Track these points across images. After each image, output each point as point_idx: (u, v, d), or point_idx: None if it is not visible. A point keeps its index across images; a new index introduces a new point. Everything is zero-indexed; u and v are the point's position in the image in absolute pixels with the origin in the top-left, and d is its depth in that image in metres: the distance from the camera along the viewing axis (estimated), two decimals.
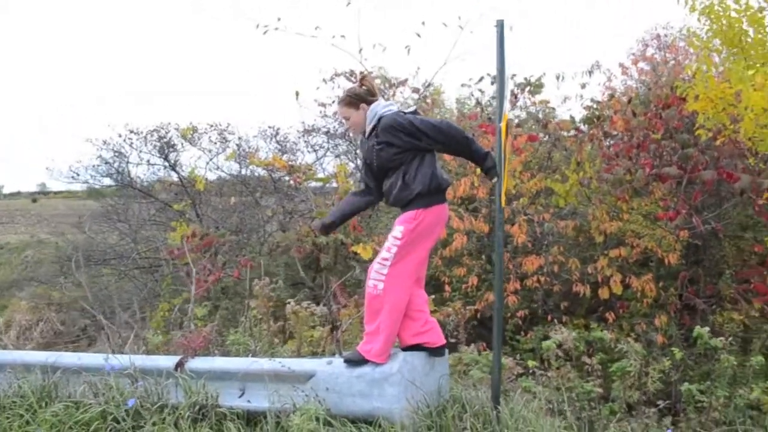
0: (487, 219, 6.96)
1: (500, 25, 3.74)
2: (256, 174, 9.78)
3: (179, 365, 3.96)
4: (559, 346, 5.67)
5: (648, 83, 8.62)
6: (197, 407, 3.75)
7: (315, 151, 9.98)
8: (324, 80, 8.60)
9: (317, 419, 3.53)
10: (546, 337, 6.32)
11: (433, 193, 3.77)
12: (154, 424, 3.66)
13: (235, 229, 8.10)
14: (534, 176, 7.14)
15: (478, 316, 6.63)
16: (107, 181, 10.27)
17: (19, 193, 55.36)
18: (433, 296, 6.88)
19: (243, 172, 9.77)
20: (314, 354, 4.52)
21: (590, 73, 7.88)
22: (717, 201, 7.56)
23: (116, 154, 9.65)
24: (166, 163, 9.53)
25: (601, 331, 6.43)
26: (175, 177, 9.62)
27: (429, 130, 3.74)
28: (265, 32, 7.74)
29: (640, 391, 5.51)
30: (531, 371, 5.65)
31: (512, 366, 5.78)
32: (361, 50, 7.41)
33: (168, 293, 8.70)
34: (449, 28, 7.75)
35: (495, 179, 3.76)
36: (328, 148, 9.83)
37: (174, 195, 9.63)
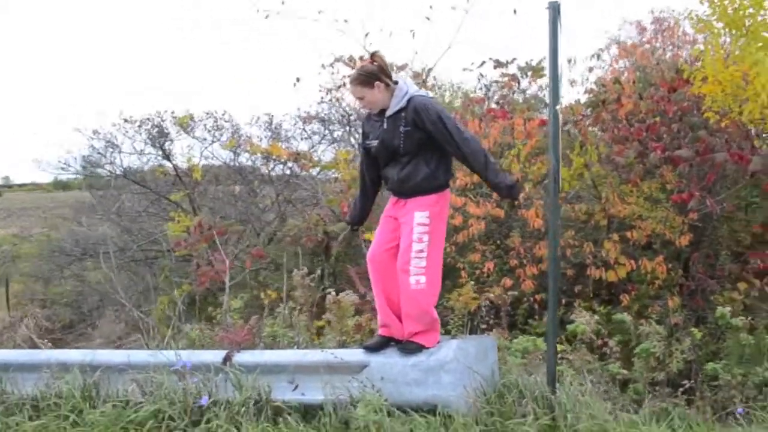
0: (500, 204, 6.95)
1: (553, 7, 3.69)
2: (251, 163, 9.62)
3: (227, 359, 3.86)
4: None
5: (645, 67, 8.69)
6: (252, 402, 3.66)
7: (309, 137, 9.85)
8: (323, 66, 8.48)
9: (380, 410, 3.48)
10: (563, 321, 6.36)
11: (448, 181, 3.92)
12: (208, 421, 3.57)
13: (239, 219, 7.97)
14: (542, 162, 7.12)
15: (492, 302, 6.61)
16: (99, 172, 9.99)
17: None
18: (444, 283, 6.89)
19: (238, 161, 9.60)
20: (359, 343, 4.45)
21: (598, 56, 7.91)
22: (716, 183, 7.69)
23: (108, 143, 9.40)
24: (160, 153, 9.30)
25: (615, 314, 6.51)
26: (169, 166, 9.40)
27: (456, 135, 3.66)
28: (266, 17, 7.59)
29: (665, 371, 5.59)
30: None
31: (532, 351, 5.81)
32: (367, 34, 7.32)
33: (167, 286, 8.52)
34: (445, 13, 7.72)
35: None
36: (324, 135, 9.70)
37: (171, 185, 9.42)
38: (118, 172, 9.67)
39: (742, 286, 7.02)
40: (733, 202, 7.98)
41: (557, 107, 3.66)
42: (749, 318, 5.84)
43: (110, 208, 9.62)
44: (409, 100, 3.73)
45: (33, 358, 4.23)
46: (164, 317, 7.42)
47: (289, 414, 3.61)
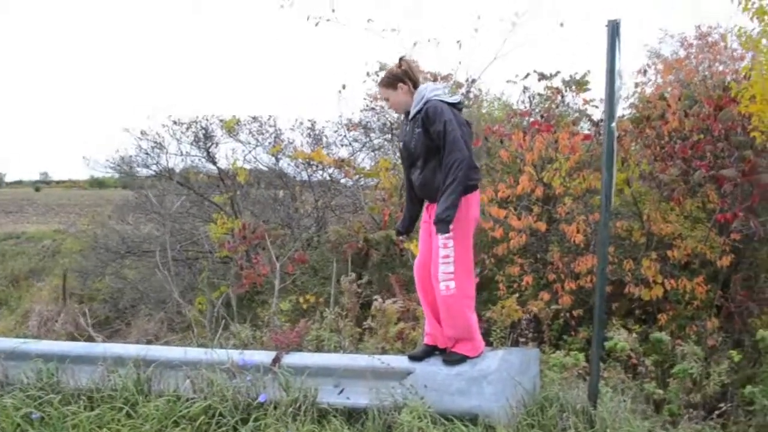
0: (540, 217, 6.97)
1: (613, 25, 3.72)
2: (292, 168, 9.77)
3: (276, 360, 3.97)
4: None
5: (690, 83, 8.61)
6: (297, 403, 3.76)
7: (350, 145, 9.96)
8: (368, 74, 8.60)
9: (424, 416, 3.55)
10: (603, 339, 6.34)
11: (472, 179, 3.79)
12: (256, 419, 3.67)
13: (280, 224, 8.10)
14: (584, 177, 7.11)
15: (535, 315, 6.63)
16: (145, 171, 10.26)
17: (21, 182, 55.78)
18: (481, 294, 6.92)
19: (279, 165, 9.75)
20: (401, 351, 4.54)
21: (644, 72, 7.88)
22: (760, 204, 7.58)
23: (156, 144, 9.63)
24: (205, 155, 9.51)
25: (649, 333, 6.48)
26: (212, 169, 9.62)
27: (449, 144, 3.64)
28: (316, 24, 7.70)
29: (701, 393, 5.55)
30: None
31: (570, 366, 5.82)
32: (415, 44, 7.41)
33: (205, 286, 8.69)
34: (491, 25, 7.75)
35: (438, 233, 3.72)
36: (365, 143, 9.80)
37: (216, 187, 9.62)
38: (164, 173, 9.88)
39: None
40: None
41: (613, 124, 3.70)
42: None
43: (154, 207, 9.81)
44: (425, 103, 3.78)
45: (90, 350, 4.37)
46: (199, 318, 7.55)
47: (334, 417, 3.70)
